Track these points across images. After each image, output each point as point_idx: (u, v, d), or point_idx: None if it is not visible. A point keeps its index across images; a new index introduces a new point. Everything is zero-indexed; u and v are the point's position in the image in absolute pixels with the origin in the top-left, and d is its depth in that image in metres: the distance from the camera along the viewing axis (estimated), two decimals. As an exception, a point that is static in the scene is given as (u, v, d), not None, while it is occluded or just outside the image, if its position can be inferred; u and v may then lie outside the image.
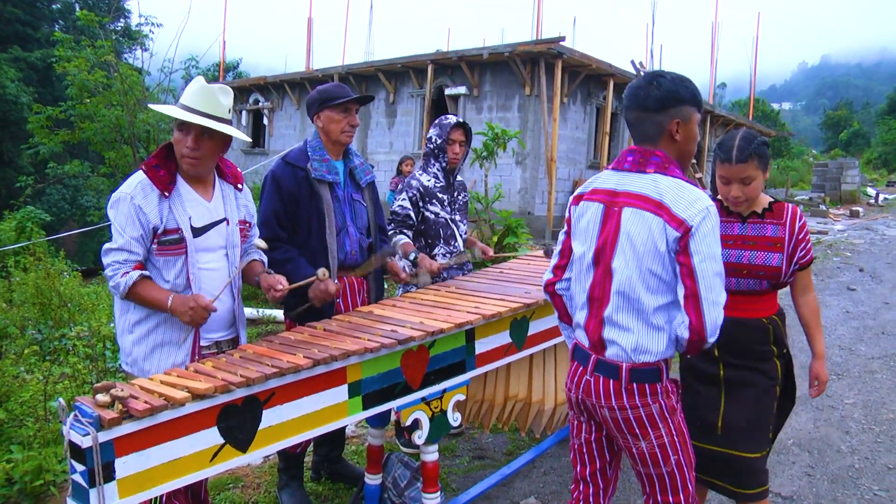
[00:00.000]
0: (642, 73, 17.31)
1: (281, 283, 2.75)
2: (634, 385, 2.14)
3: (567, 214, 2.39)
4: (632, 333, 2.15)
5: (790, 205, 2.72)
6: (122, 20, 27.40)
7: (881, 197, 25.64)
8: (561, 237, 2.43)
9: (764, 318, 2.69)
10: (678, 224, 2.04)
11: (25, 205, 14.26)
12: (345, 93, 3.31)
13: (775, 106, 71.62)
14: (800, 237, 2.65)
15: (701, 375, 2.75)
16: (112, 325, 6.01)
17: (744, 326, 2.67)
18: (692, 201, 2.05)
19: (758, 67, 26.06)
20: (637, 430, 2.18)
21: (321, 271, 2.85)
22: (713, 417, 2.70)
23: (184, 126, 2.54)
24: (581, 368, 2.28)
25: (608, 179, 2.26)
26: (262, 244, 2.81)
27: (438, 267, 3.71)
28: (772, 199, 2.73)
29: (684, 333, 2.06)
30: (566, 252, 2.38)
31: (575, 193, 2.38)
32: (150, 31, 19.17)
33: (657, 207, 2.08)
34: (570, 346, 2.40)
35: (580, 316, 2.31)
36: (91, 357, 5.22)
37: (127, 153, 12.04)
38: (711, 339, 2.04)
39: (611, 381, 2.17)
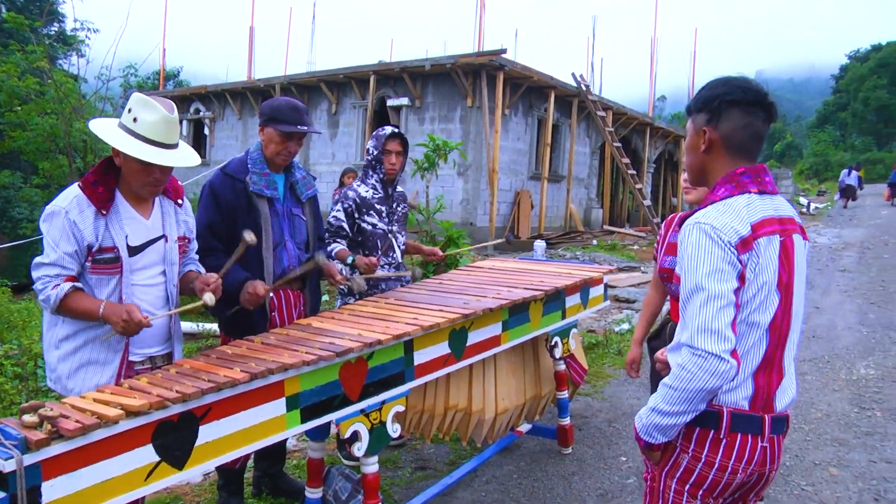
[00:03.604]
0: (583, 86, 17.67)
1: (211, 277, 2.74)
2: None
3: (730, 261, 1.73)
4: (791, 376, 1.92)
5: None
6: (55, 24, 26.58)
7: (812, 206, 26.57)
8: (725, 293, 1.72)
9: None
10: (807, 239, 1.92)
11: (-48, 217, 13.74)
12: (295, 118, 3.23)
13: (713, 118, 73.60)
14: None
15: None
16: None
17: None
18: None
19: (696, 81, 26.79)
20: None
21: (247, 235, 2.83)
22: None
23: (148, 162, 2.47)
24: (752, 438, 1.82)
25: (764, 206, 1.83)
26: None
27: (375, 263, 3.72)
28: None
29: None
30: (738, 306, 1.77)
31: (741, 238, 1.75)
32: (87, 36, 18.57)
33: (800, 228, 1.92)
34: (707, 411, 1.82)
35: (747, 371, 1.83)
36: (21, 376, 5.06)
37: (63, 163, 11.71)
38: None
39: (783, 438, 1.91)
